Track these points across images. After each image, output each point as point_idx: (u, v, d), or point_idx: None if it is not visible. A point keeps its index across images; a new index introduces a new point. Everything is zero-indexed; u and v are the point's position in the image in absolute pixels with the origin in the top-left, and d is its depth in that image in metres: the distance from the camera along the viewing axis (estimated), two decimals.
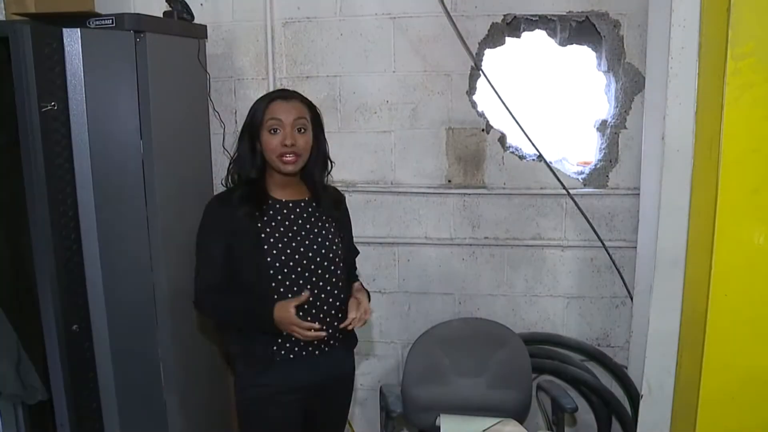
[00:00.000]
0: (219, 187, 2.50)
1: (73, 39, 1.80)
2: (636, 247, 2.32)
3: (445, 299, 2.54)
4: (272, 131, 1.73)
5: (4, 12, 1.97)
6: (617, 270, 2.40)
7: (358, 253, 2.02)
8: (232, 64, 2.51)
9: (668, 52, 1.86)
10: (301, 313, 1.68)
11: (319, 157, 1.85)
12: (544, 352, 2.45)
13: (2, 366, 1.88)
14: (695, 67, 1.81)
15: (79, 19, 1.86)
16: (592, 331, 2.49)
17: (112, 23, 1.88)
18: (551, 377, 2.40)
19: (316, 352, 1.77)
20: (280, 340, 1.73)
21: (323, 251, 1.78)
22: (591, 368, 2.44)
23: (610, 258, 2.40)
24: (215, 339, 2.41)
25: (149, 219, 2.00)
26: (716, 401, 1.69)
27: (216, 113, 2.47)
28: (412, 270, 2.54)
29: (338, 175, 2.49)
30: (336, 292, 1.79)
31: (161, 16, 2.18)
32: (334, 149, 2.44)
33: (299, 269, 1.74)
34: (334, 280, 1.79)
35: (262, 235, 1.73)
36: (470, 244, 2.49)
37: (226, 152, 2.50)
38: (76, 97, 1.82)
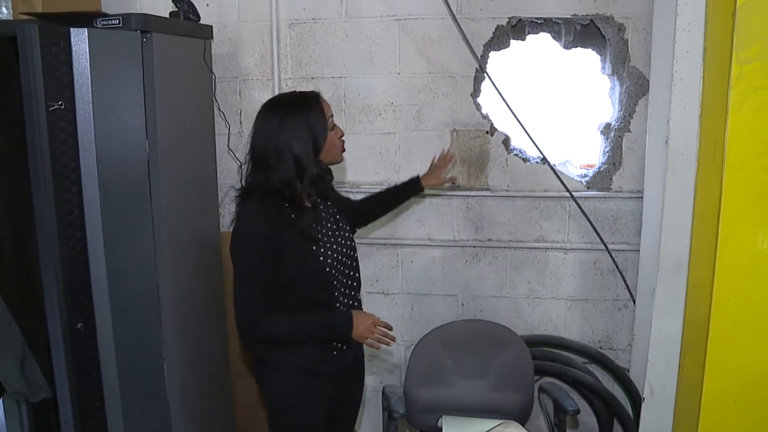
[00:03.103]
0: (224, 187, 2.53)
1: (80, 39, 1.81)
2: (639, 251, 2.32)
3: (448, 301, 2.54)
4: (331, 128, 1.73)
5: (12, 11, 1.98)
6: (620, 273, 2.41)
7: None
8: (237, 65, 2.52)
9: (673, 55, 1.87)
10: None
11: None
12: (547, 354, 2.45)
13: (7, 364, 1.89)
14: (700, 70, 1.81)
15: (86, 19, 1.87)
16: (595, 334, 2.49)
17: (119, 23, 1.89)
18: (553, 379, 2.40)
19: (344, 347, 1.80)
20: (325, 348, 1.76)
21: (354, 247, 1.84)
22: (593, 371, 2.45)
23: (613, 261, 2.40)
24: (218, 339, 2.42)
25: (154, 218, 2.01)
26: (719, 404, 1.69)
27: (221, 113, 2.49)
28: (415, 271, 2.55)
29: (342, 176, 2.50)
30: (359, 287, 1.85)
31: (167, 16, 2.19)
32: None
33: (345, 270, 1.77)
34: (359, 275, 1.85)
35: (314, 247, 1.71)
36: (473, 246, 2.49)
37: (230, 152, 2.52)
38: (82, 97, 1.83)
